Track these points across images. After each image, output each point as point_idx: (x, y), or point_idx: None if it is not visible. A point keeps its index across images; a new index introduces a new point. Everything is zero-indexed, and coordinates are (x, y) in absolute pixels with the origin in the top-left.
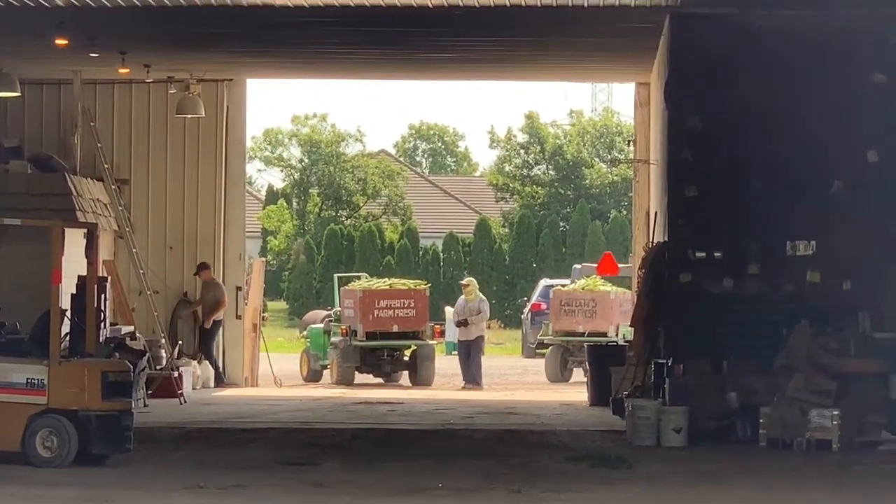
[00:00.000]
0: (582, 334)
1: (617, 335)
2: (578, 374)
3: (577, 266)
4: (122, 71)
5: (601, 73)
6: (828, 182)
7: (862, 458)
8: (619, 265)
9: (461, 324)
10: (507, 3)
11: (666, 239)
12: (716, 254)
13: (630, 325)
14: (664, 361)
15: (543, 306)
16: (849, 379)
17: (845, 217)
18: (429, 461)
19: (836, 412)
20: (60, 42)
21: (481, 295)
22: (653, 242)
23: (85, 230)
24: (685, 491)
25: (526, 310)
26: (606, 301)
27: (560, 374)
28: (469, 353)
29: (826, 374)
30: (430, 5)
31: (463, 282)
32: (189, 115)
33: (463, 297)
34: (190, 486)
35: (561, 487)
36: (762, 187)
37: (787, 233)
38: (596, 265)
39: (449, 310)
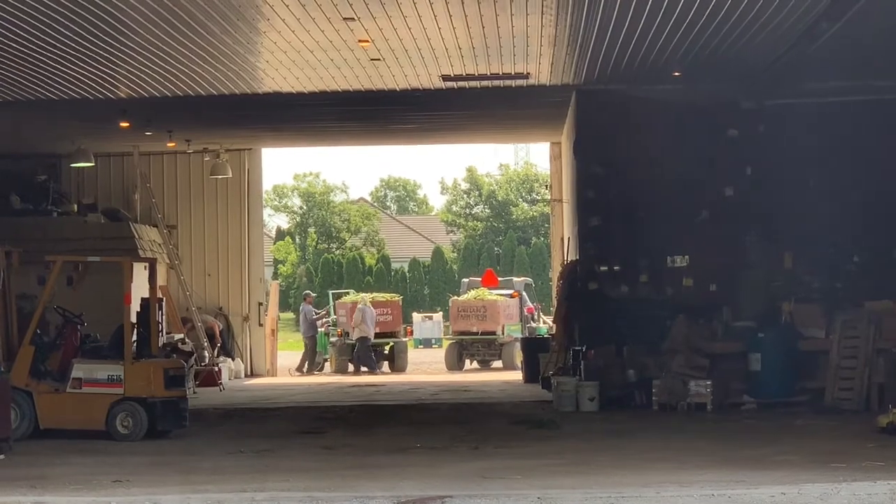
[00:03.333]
0: (476, 333)
1: (502, 333)
2: (468, 364)
3: (465, 280)
4: (169, 144)
5: (523, 136)
6: (696, 211)
7: (729, 416)
8: (499, 279)
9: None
10: (455, 86)
11: (577, 257)
12: (615, 267)
13: (552, 323)
14: (580, 348)
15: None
16: (717, 357)
17: (710, 237)
18: (408, 427)
19: (709, 382)
20: (123, 125)
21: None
22: (567, 260)
23: (147, 264)
24: (600, 442)
25: (525, 313)
26: (495, 307)
27: (456, 364)
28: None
29: (700, 354)
30: (397, 89)
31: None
32: (220, 176)
33: (365, 305)
34: (232, 451)
35: (509, 444)
36: (648, 216)
37: (668, 250)
38: (481, 279)
39: (416, 315)
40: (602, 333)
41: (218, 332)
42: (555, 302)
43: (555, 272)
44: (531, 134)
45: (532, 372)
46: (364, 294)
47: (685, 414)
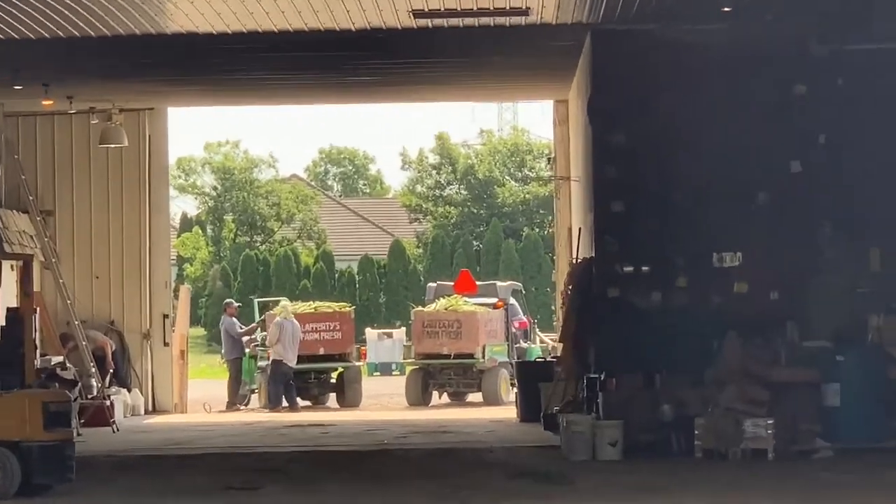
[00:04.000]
0: (447, 356)
1: (483, 357)
2: (437, 398)
3: (432, 284)
4: (45, 103)
5: (519, 92)
6: (752, 193)
7: (798, 467)
8: (479, 283)
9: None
10: (430, 25)
11: (593, 254)
12: (643, 268)
13: (559, 341)
14: (596, 376)
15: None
16: (781, 388)
17: (770, 228)
18: (369, 483)
19: (769, 421)
20: None
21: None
22: (577, 259)
23: (16, 263)
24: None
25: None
26: (472, 321)
27: (420, 398)
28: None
29: (758, 384)
30: (352, 29)
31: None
32: (112, 145)
33: (285, 318)
34: None
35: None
36: (688, 200)
37: (714, 245)
38: (454, 283)
39: (370, 331)
40: (626, 356)
41: (110, 355)
42: (560, 314)
43: (559, 275)
44: (529, 89)
45: (530, 407)
46: (286, 303)
47: (739, 464)
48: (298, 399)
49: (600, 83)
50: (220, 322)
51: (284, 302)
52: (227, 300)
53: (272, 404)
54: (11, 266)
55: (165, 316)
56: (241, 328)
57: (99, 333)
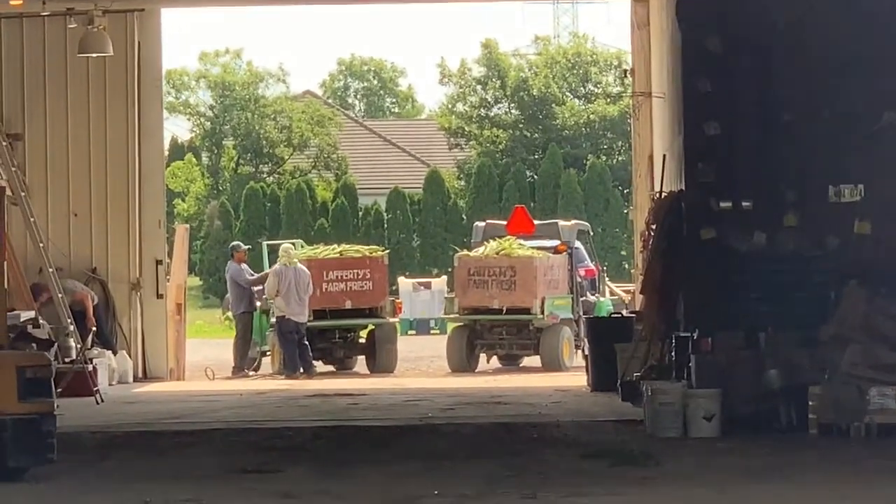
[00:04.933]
0: (498, 311)
1: (542, 312)
2: (485, 362)
3: (479, 223)
4: (13, 2)
5: None
6: (876, 113)
7: None
8: (536, 222)
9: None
10: None
11: (682, 187)
12: (744, 203)
13: (640, 293)
14: (687, 335)
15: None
16: None
17: None
18: (413, 463)
19: None
20: None
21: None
22: (661, 193)
23: None
24: (730, 490)
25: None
26: (528, 269)
27: (466, 362)
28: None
29: (887, 345)
30: None
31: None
32: (94, 54)
33: (287, 265)
34: (130, 501)
35: (581, 490)
36: (798, 122)
37: (830, 176)
38: (505, 223)
39: (403, 281)
40: (724, 311)
41: (91, 309)
42: (639, 261)
43: (637, 212)
44: None
45: (604, 374)
46: (288, 247)
47: (862, 441)
48: (321, 363)
49: None
50: (226, 269)
51: (286, 245)
52: (234, 243)
53: (287, 370)
54: None
55: (158, 262)
56: (252, 275)
57: (78, 284)
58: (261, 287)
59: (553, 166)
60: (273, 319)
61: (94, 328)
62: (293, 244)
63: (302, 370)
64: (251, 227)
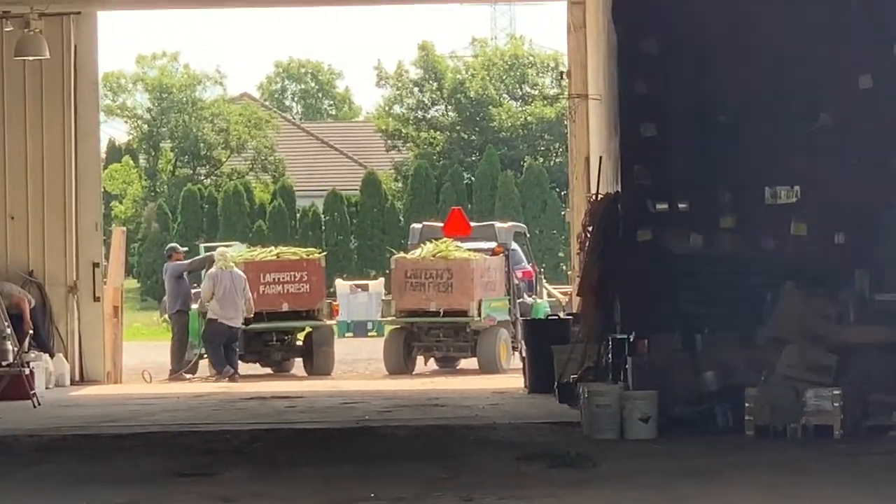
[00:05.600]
0: (435, 313)
1: (479, 314)
2: (423, 364)
3: (416, 225)
4: None
5: None
6: (813, 115)
7: (871, 447)
8: (472, 224)
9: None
10: None
11: (619, 189)
12: (680, 205)
13: (577, 295)
14: (623, 337)
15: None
16: (849, 351)
17: (836, 155)
18: (350, 466)
19: (836, 392)
20: None
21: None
22: (598, 194)
23: None
24: (667, 492)
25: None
26: (465, 271)
27: (402, 364)
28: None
29: (822, 347)
30: None
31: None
32: (30, 57)
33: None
34: None
35: (518, 492)
36: (734, 123)
37: (766, 177)
38: (442, 225)
39: (341, 283)
40: (660, 313)
41: (28, 312)
42: (576, 262)
43: (576, 213)
44: None
45: (541, 376)
46: (225, 250)
47: (799, 443)
48: (257, 365)
49: None
50: (163, 271)
51: (222, 249)
52: (172, 245)
53: (216, 370)
54: None
55: (95, 265)
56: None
57: (15, 287)
58: (195, 291)
59: (490, 168)
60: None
61: (31, 331)
62: (231, 246)
63: (231, 369)
64: (189, 230)
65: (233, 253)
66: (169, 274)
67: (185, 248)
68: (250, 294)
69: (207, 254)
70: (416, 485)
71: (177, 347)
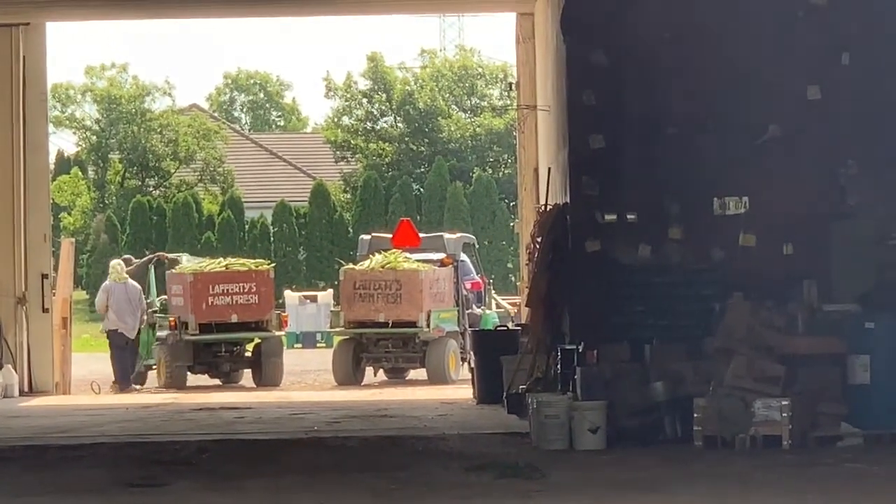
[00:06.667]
0: (384, 324)
1: (428, 325)
2: (372, 375)
3: (365, 237)
4: None
5: (467, 2)
6: (761, 126)
7: (819, 457)
8: (421, 235)
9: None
10: None
11: (567, 200)
12: (629, 216)
13: (526, 306)
14: (572, 347)
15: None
16: (798, 362)
17: (784, 167)
18: (299, 476)
19: (785, 402)
20: None
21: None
22: (547, 206)
23: None
24: (615, 502)
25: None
26: (414, 282)
27: (351, 375)
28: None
29: (771, 357)
30: None
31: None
32: None
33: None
34: None
35: (467, 503)
36: (682, 134)
37: (714, 188)
38: (391, 236)
39: (290, 294)
40: (609, 324)
41: None
42: (524, 273)
43: (524, 224)
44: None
45: (490, 386)
46: (116, 262)
47: (747, 453)
48: (206, 377)
49: None
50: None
51: (115, 262)
52: (126, 256)
53: (121, 382)
54: None
55: (44, 276)
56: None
57: None
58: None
59: (439, 179)
60: (164, 332)
61: None
62: (179, 259)
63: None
64: (137, 241)
65: (185, 263)
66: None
67: (135, 261)
68: (145, 305)
69: (145, 258)
70: (365, 495)
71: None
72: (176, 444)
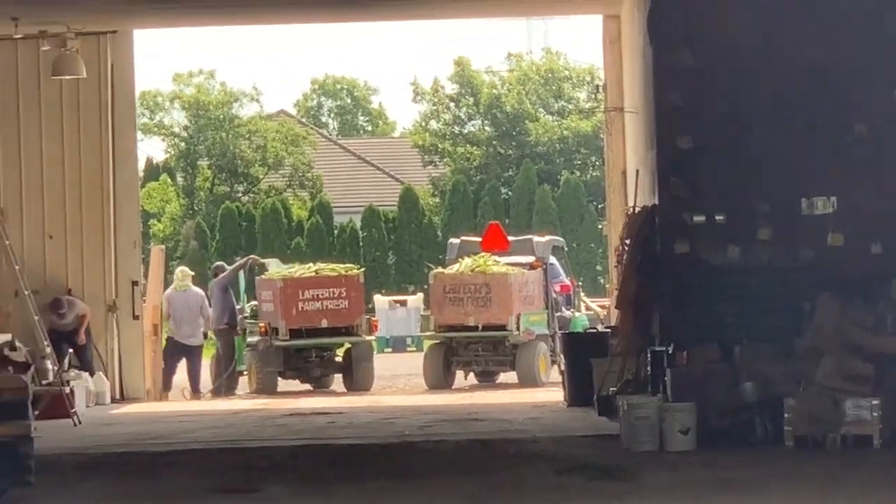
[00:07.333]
0: (474, 328)
1: (518, 328)
2: (462, 378)
3: (454, 240)
4: None
5: (555, 5)
6: (848, 125)
7: None
8: (510, 238)
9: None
10: None
11: (655, 202)
12: (717, 217)
13: (615, 308)
14: (662, 349)
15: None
16: (887, 360)
17: (871, 166)
18: (391, 481)
19: (875, 401)
20: None
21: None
22: (635, 207)
23: None
24: (706, 503)
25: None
26: (503, 285)
27: (442, 379)
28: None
29: (861, 356)
30: None
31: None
32: (67, 77)
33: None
34: None
35: None
36: (770, 134)
37: (803, 188)
38: (480, 239)
39: (380, 299)
40: (699, 325)
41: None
42: (613, 275)
43: (613, 226)
44: (571, 1)
45: (580, 389)
46: (182, 269)
47: (838, 453)
48: (297, 382)
49: None
50: (210, 287)
51: (180, 269)
52: (218, 263)
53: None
54: None
55: (134, 283)
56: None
57: (80, 302)
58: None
59: (527, 182)
60: (255, 338)
61: (83, 344)
62: (266, 264)
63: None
64: (227, 247)
65: (274, 269)
66: (217, 288)
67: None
68: (209, 312)
69: (237, 263)
70: (457, 499)
71: (224, 363)
72: (268, 450)
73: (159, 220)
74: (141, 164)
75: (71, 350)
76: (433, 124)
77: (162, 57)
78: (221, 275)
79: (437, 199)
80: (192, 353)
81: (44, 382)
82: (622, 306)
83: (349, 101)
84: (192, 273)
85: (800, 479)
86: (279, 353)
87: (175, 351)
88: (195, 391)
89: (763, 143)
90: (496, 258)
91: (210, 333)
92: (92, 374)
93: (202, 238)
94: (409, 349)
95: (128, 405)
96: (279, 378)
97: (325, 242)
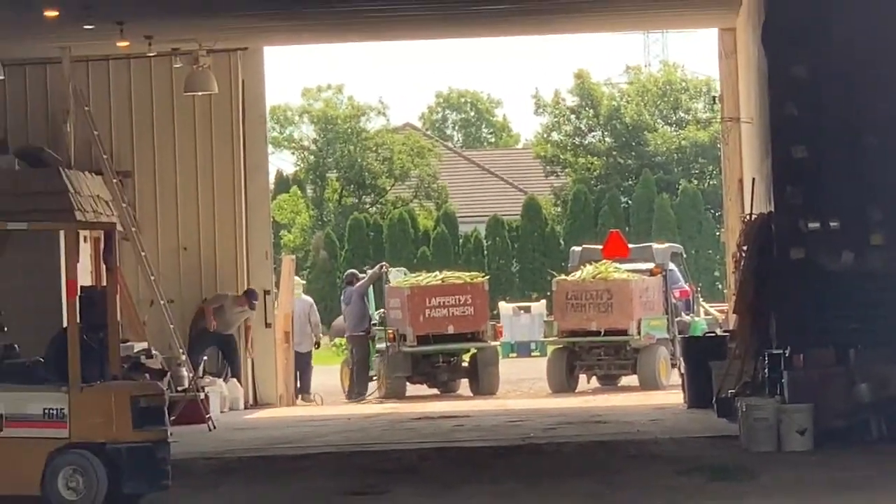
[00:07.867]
0: (596, 333)
1: (639, 333)
2: (585, 382)
3: (576, 248)
4: (120, 44)
5: (672, 19)
6: None
7: None
8: (630, 245)
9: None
10: None
11: (772, 209)
12: (832, 223)
13: (734, 313)
14: (779, 352)
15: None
16: None
17: None
18: (517, 482)
19: None
20: (50, 14)
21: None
22: (752, 214)
23: (95, 233)
24: (825, 502)
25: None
26: (625, 291)
27: (565, 382)
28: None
29: None
30: None
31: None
32: (199, 93)
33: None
34: None
35: None
36: (883, 141)
37: None
38: (601, 247)
39: (504, 305)
40: (815, 329)
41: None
42: (731, 281)
43: (730, 234)
44: (687, 15)
45: (699, 391)
46: (427, 276)
47: None
48: (425, 387)
49: (776, 4)
50: (342, 294)
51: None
52: (351, 271)
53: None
54: (84, 237)
55: (266, 292)
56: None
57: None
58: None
59: (647, 191)
60: (384, 344)
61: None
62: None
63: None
64: (356, 257)
65: (400, 277)
66: (357, 293)
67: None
68: (318, 318)
69: (372, 272)
70: (581, 499)
71: (358, 371)
72: (397, 453)
73: (290, 231)
74: (271, 177)
75: (220, 352)
76: (555, 136)
77: (291, 72)
78: (359, 283)
79: (559, 209)
80: (301, 360)
81: (179, 389)
82: (740, 311)
83: (473, 113)
84: (303, 282)
85: None
86: (407, 359)
87: (297, 359)
88: (303, 394)
89: (876, 151)
90: (617, 265)
91: (337, 340)
92: (226, 381)
93: (331, 248)
94: (533, 354)
95: (261, 410)
96: (407, 383)
97: (450, 251)
